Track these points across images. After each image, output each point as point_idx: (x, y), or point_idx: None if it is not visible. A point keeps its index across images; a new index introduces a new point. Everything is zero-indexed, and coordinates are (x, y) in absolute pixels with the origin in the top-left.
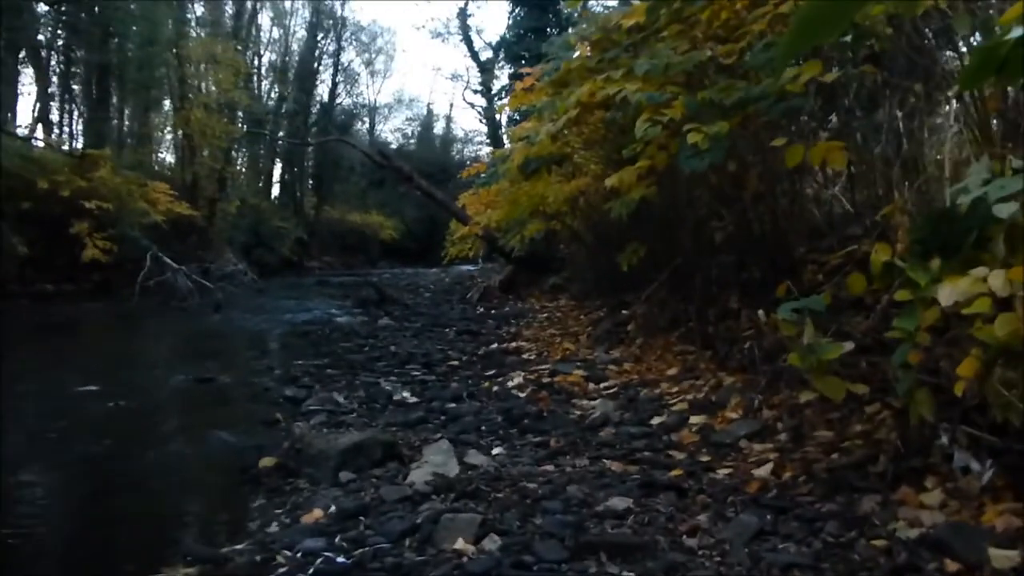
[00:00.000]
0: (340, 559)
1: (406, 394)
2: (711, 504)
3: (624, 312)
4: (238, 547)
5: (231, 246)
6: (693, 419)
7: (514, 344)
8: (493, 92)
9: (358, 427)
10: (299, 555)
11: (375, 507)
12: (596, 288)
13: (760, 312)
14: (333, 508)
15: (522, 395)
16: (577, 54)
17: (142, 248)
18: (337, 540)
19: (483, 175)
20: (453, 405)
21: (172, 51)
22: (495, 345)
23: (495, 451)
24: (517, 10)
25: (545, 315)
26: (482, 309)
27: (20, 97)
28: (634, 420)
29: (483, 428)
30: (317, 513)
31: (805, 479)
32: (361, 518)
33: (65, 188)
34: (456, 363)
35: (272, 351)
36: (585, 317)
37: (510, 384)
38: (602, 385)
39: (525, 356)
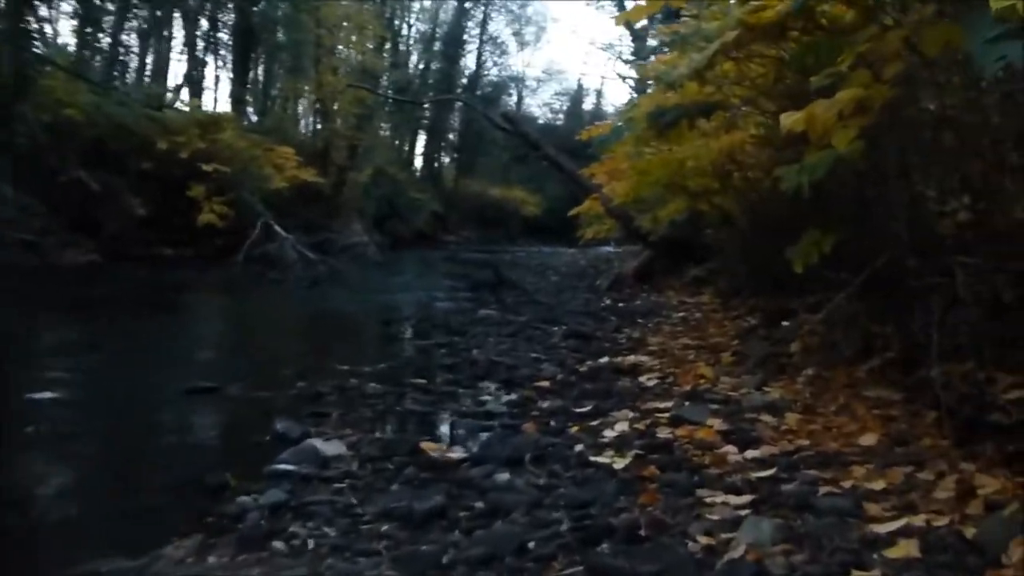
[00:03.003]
0: None
1: (444, 443)
2: None
3: (785, 323)
4: None
5: (361, 216)
6: None
7: (632, 358)
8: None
9: (318, 521)
10: None
11: None
12: (749, 286)
13: None
14: None
15: (618, 466)
16: None
17: (256, 214)
18: None
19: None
20: (505, 477)
21: (309, 14)
22: (606, 358)
23: None
24: None
25: (681, 314)
26: (609, 300)
27: (171, 60)
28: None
29: (528, 547)
30: None
31: None
32: None
33: (184, 149)
34: (547, 383)
35: (326, 346)
36: (731, 323)
37: (606, 435)
38: (750, 455)
39: (643, 379)
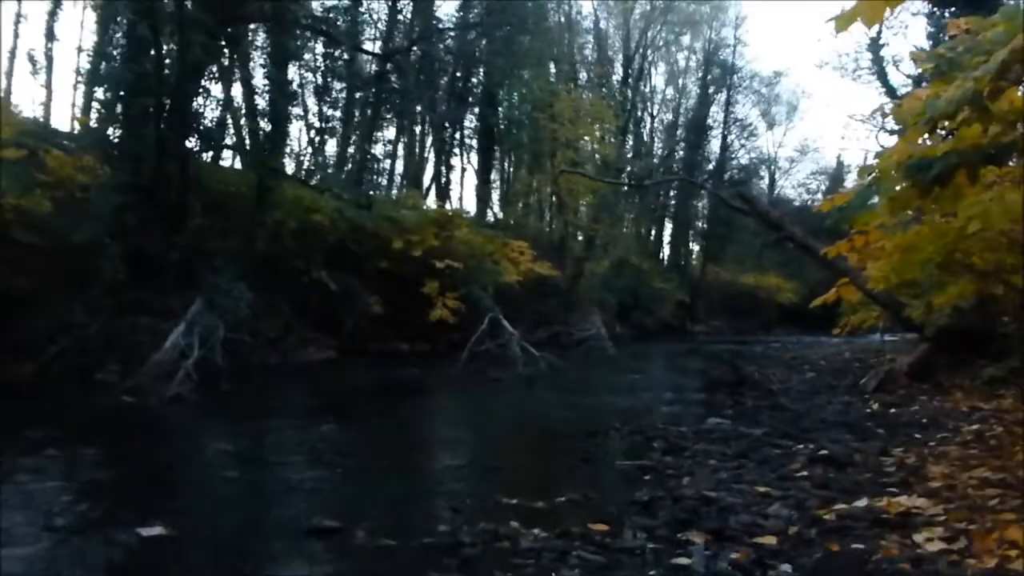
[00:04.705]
0: None
1: None
2: None
3: None
4: None
5: (601, 308)
6: None
7: (903, 500)
8: None
9: None
10: None
11: None
12: None
13: None
14: None
15: None
16: None
17: (485, 309)
18: None
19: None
20: None
21: (545, 111)
22: (864, 499)
23: None
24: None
25: (974, 427)
26: (876, 405)
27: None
28: None
29: None
30: None
31: None
32: None
33: (418, 248)
34: (772, 540)
35: (507, 465)
36: None
37: None
38: None
39: (919, 540)
